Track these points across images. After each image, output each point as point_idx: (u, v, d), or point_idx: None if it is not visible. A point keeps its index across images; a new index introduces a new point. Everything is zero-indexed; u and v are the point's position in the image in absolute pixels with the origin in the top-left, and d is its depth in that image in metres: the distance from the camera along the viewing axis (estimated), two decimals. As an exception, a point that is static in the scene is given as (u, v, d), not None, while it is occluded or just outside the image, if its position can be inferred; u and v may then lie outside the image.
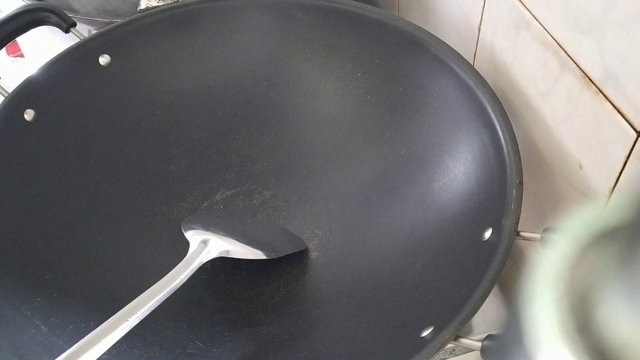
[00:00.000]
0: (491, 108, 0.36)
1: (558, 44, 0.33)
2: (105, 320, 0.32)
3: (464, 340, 0.29)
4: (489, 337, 0.28)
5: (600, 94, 0.30)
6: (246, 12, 0.48)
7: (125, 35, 0.47)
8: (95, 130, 0.46)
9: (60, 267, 0.40)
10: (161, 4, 0.56)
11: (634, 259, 0.09)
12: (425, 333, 0.30)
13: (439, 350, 0.28)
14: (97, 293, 0.40)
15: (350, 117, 0.46)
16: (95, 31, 0.47)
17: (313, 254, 0.43)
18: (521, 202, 0.32)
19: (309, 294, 0.41)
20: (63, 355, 0.29)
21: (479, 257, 0.32)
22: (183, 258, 0.37)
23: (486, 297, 0.29)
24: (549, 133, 0.36)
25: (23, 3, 0.52)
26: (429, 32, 0.42)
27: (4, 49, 0.46)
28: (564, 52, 0.33)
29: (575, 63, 0.32)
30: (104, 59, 0.46)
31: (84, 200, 0.43)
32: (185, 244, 0.39)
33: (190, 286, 0.37)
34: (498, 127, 0.35)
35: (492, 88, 0.37)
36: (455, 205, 0.38)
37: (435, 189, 0.40)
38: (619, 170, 0.30)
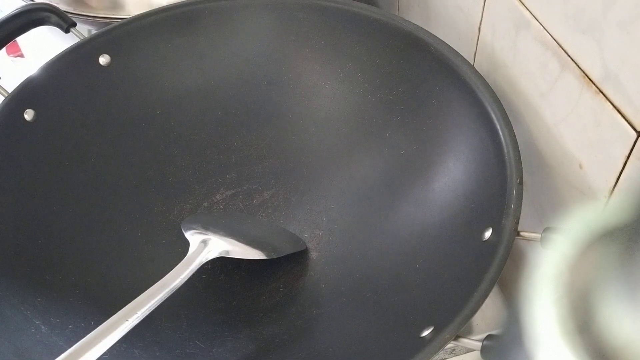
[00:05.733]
0: (491, 108, 0.36)
1: (558, 44, 0.33)
2: (105, 320, 0.32)
3: (464, 340, 0.29)
4: (489, 337, 0.28)
5: (600, 94, 0.30)
6: (246, 12, 0.48)
7: (125, 35, 0.47)
8: (95, 130, 0.46)
9: (60, 267, 0.40)
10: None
11: (634, 259, 0.09)
12: (425, 333, 0.30)
13: (439, 350, 0.28)
14: (97, 293, 0.40)
15: (350, 117, 0.46)
16: (95, 31, 0.47)
17: (313, 254, 0.43)
18: (521, 202, 0.32)
19: (309, 294, 0.41)
20: (63, 355, 0.29)
21: (479, 257, 0.32)
22: (183, 258, 0.37)
23: (486, 297, 0.29)
24: (549, 133, 0.36)
25: (23, 3, 0.52)
26: (429, 32, 0.42)
27: (4, 49, 0.46)
28: (564, 52, 0.33)
29: (575, 63, 0.32)
30: (104, 59, 0.46)
31: (83, 200, 0.43)
32: (185, 244, 0.39)
33: (190, 286, 0.37)
34: (498, 127, 0.35)
35: (492, 88, 0.37)
36: (455, 205, 0.38)
37: (435, 188, 0.40)
38: (619, 170, 0.30)
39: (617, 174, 0.30)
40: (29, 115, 0.43)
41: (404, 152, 0.43)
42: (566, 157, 0.35)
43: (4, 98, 0.42)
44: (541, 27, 0.34)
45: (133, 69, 0.47)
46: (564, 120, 0.34)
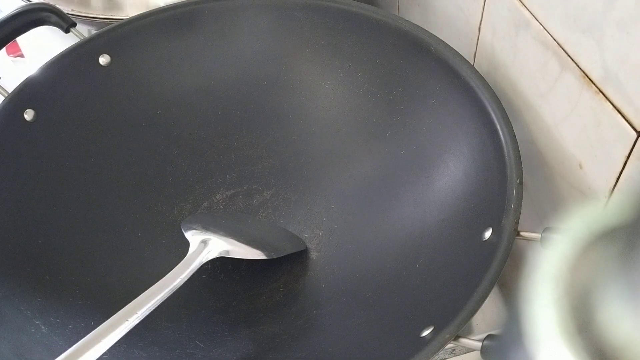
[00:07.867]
0: (491, 108, 0.36)
1: (558, 44, 0.33)
2: (105, 320, 0.32)
3: (464, 340, 0.29)
4: (489, 337, 0.28)
5: (600, 94, 0.30)
6: (246, 12, 0.48)
7: (125, 35, 0.47)
8: (95, 130, 0.46)
9: (60, 267, 0.40)
10: None
11: (634, 259, 0.09)
12: (425, 333, 0.30)
13: (439, 350, 0.28)
14: (97, 293, 0.40)
15: (350, 117, 0.46)
16: (95, 31, 0.47)
17: (313, 254, 0.43)
18: (521, 202, 0.32)
19: (309, 294, 0.41)
20: (63, 355, 0.29)
21: (479, 257, 0.32)
22: (183, 258, 0.37)
23: (486, 297, 0.29)
24: (549, 133, 0.36)
25: (23, 3, 0.52)
26: (429, 32, 0.42)
27: (4, 49, 0.46)
28: (564, 52, 0.33)
29: (575, 63, 0.32)
30: (104, 59, 0.46)
31: (83, 200, 0.43)
32: (185, 244, 0.39)
33: (190, 286, 0.37)
34: (498, 127, 0.35)
35: (492, 88, 0.37)
36: (455, 205, 0.38)
37: (435, 189, 0.40)
38: (619, 170, 0.30)
39: (617, 174, 0.30)
40: (29, 115, 0.43)
41: (404, 152, 0.43)
42: (566, 157, 0.35)
43: (4, 98, 0.42)
44: (541, 27, 0.34)
45: (133, 69, 0.47)
46: (564, 120, 0.34)
